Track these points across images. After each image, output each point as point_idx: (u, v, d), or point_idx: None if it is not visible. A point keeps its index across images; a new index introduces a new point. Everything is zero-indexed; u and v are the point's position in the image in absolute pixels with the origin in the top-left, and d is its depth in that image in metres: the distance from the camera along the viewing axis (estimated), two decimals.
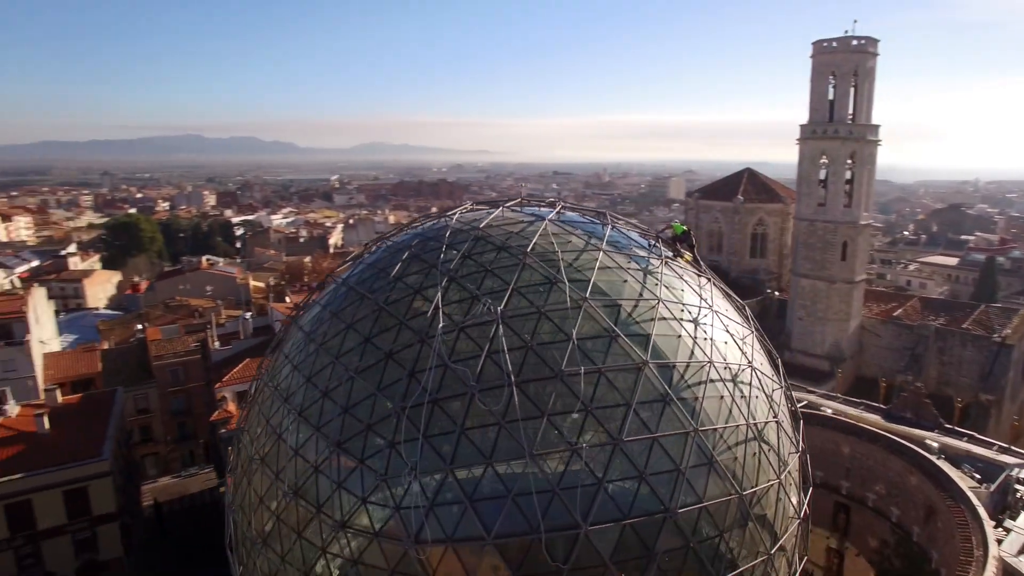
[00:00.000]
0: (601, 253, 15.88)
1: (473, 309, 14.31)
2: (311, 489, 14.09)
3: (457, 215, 18.21)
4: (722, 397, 14.95)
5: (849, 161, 65.93)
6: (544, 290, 14.57)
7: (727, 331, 16.41)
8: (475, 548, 12.70)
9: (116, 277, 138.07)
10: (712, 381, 15.03)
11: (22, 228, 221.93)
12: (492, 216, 17.30)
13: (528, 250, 15.17)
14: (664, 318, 15.22)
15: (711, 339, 15.78)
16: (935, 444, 33.53)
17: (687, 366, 14.96)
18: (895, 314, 70.28)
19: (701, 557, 13.16)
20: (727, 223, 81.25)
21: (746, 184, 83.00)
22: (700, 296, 16.69)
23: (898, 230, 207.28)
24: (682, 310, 15.83)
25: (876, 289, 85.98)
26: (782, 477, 15.14)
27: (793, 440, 16.58)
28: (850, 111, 65.83)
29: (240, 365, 58.98)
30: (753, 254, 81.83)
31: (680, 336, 15.32)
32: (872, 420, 38.09)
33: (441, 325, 14.06)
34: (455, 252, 15.95)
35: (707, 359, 15.18)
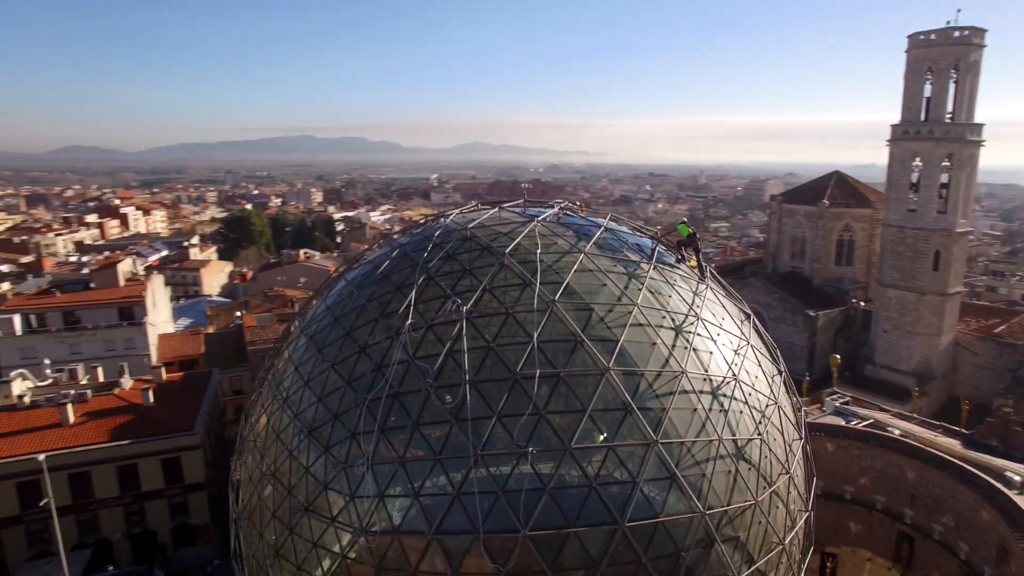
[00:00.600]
0: (583, 255, 15.17)
1: (443, 307, 14.10)
2: (285, 474, 14.33)
3: (453, 215, 18.02)
4: (695, 410, 13.95)
5: (946, 163, 60.97)
6: (517, 291, 14.14)
7: (714, 341, 15.32)
8: (419, 542, 12.51)
9: (228, 267, 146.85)
10: (685, 392, 14.05)
11: (158, 221, 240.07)
12: (485, 216, 17.05)
13: (507, 251, 14.78)
14: (640, 324, 14.35)
15: (692, 348, 14.74)
16: (1017, 478, 30.32)
17: (657, 375, 14.04)
18: (996, 331, 64.26)
19: (652, 573, 12.35)
20: (811, 228, 77.12)
21: (833, 188, 78.47)
22: (689, 303, 15.66)
23: (1020, 239, 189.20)
24: (663, 317, 14.91)
25: (977, 303, 79.12)
26: (761, 499, 13.93)
27: (785, 462, 15.20)
28: (949, 109, 60.85)
29: None
30: (838, 261, 77.28)
31: (655, 344, 14.41)
32: (947, 445, 35.14)
33: (409, 322, 13.97)
34: (440, 251, 15.80)
35: (680, 369, 14.17)
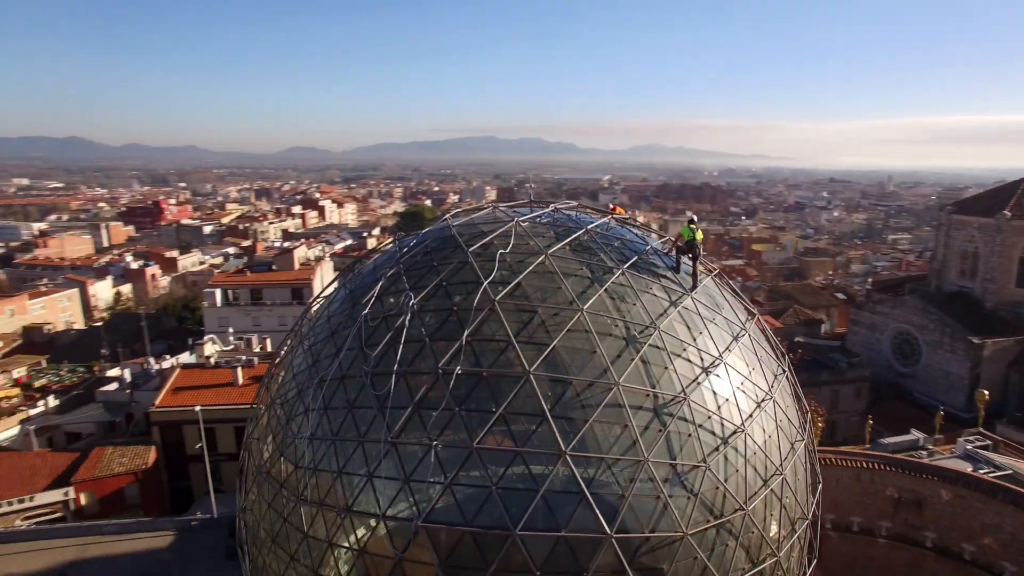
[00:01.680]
0: (545, 257, 14.47)
1: (399, 300, 14.20)
2: (277, 463, 15.13)
3: (450, 215, 18.02)
4: (626, 426, 12.74)
5: None
6: (470, 289, 13.84)
7: (676, 355, 13.88)
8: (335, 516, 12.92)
9: None
10: (618, 406, 12.84)
11: (349, 213, 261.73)
12: (477, 215, 16.92)
13: (471, 249, 14.52)
14: (584, 330, 13.36)
15: (643, 361, 13.48)
16: None
17: (589, 385, 13.04)
18: None
19: None
20: (986, 243, 67.24)
21: (1020, 197, 67.73)
22: (656, 313, 14.31)
23: None
24: (616, 325, 13.83)
25: None
26: (691, 534, 12.37)
27: (737, 500, 13.31)
28: None
29: None
30: (1020, 283, 66.72)
31: (595, 352, 13.28)
32: None
33: (366, 312, 14.30)
34: (420, 248, 15.95)
35: (615, 380, 12.94)
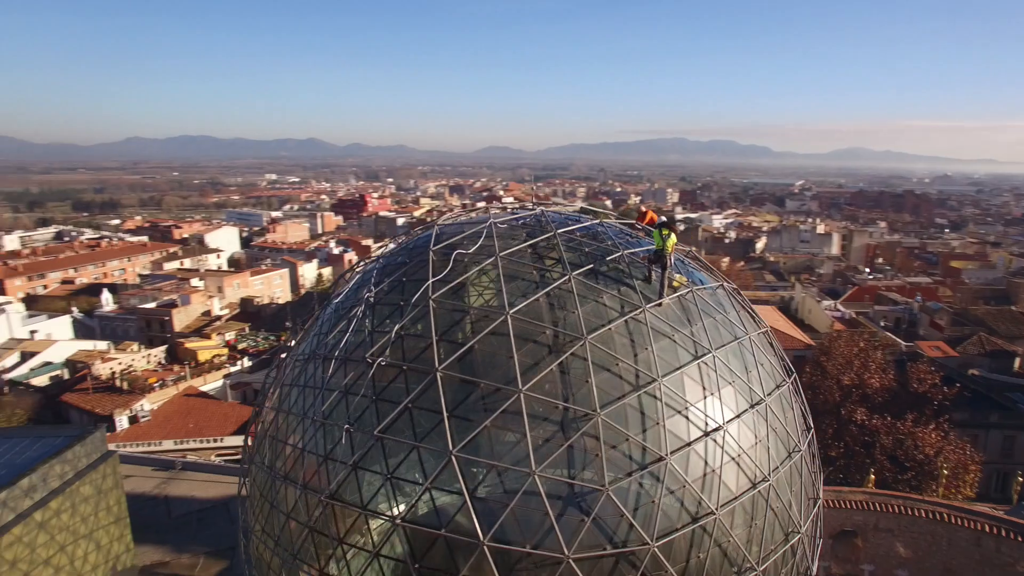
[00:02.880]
0: (501, 259, 14.12)
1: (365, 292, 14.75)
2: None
3: (450, 215, 18.17)
4: (524, 435, 11.93)
5: None
6: (418, 287, 14.00)
7: (598, 366, 12.88)
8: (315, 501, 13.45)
9: None
10: (517, 414, 12.20)
11: None
12: (475, 215, 17.05)
13: (434, 248, 14.70)
14: (505, 334, 12.82)
15: (562, 371, 12.80)
16: None
17: (496, 390, 12.66)
18: None
19: None
20: None
21: None
22: (589, 324, 13.30)
23: None
24: (544, 332, 13.19)
25: None
26: (571, 555, 11.33)
27: (644, 533, 12.10)
28: None
29: None
30: None
31: (511, 357, 12.58)
32: None
33: (337, 300, 15.21)
34: (407, 246, 16.41)
35: (519, 388, 12.34)
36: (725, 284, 17.85)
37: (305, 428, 13.75)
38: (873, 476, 36.08)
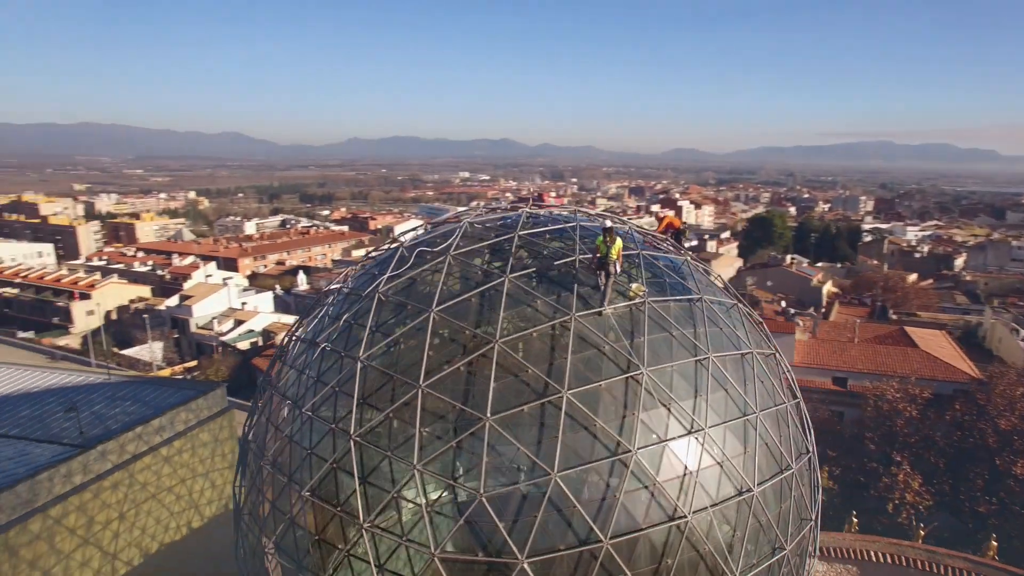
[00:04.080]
0: (453, 257, 14.40)
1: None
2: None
3: (453, 214, 18.47)
4: (422, 432, 12.29)
5: None
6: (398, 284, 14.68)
7: (505, 370, 12.58)
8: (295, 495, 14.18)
9: (737, 263, 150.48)
10: (423, 410, 12.41)
11: (705, 215, 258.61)
12: (470, 214, 17.33)
13: (407, 240, 15.33)
14: (423, 329, 12.95)
15: (469, 371, 12.75)
16: None
17: (403, 384, 12.91)
18: None
19: None
20: None
21: None
22: (511, 327, 13.09)
23: None
24: (463, 331, 13.22)
25: None
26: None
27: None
28: None
29: None
30: None
31: (424, 354, 12.77)
32: None
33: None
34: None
35: (419, 383, 12.43)
36: (741, 306, 17.26)
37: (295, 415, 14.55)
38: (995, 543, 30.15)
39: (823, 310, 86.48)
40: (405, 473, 12.12)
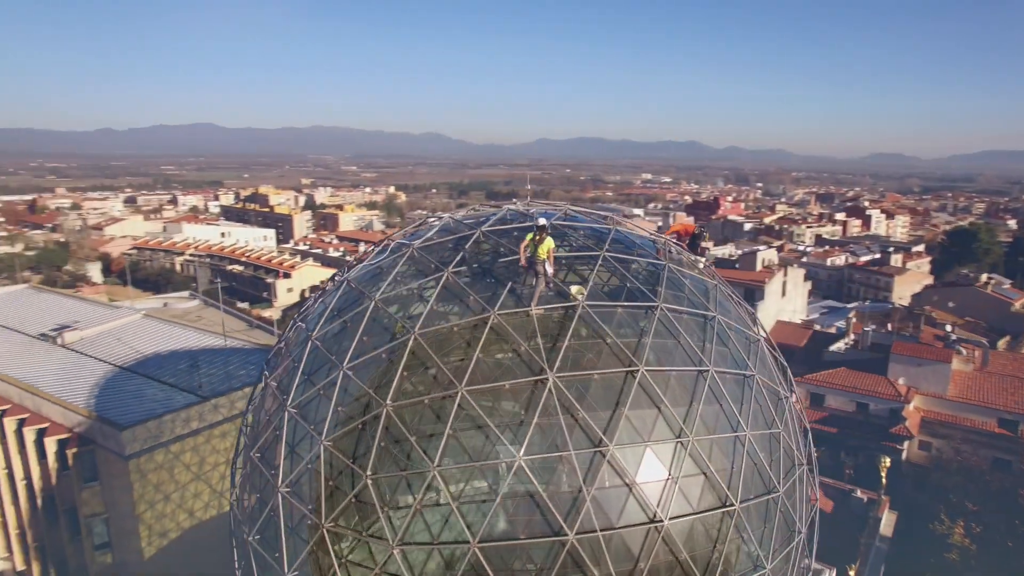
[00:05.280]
0: (416, 250, 15.09)
1: None
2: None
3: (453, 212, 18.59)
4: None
5: None
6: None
7: (407, 367, 12.71)
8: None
9: (927, 280, 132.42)
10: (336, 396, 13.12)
11: (899, 226, 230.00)
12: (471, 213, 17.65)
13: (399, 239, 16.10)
14: (362, 315, 13.72)
15: (391, 361, 12.99)
16: None
17: (327, 372, 13.64)
18: None
19: None
20: None
21: None
22: (427, 321, 13.34)
23: None
24: (390, 321, 13.54)
25: None
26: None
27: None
28: None
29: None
30: None
31: (356, 339, 13.54)
32: None
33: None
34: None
35: (340, 365, 12.99)
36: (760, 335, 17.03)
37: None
38: None
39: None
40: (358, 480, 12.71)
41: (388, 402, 12.60)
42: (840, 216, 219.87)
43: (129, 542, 30.21)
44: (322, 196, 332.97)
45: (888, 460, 40.54)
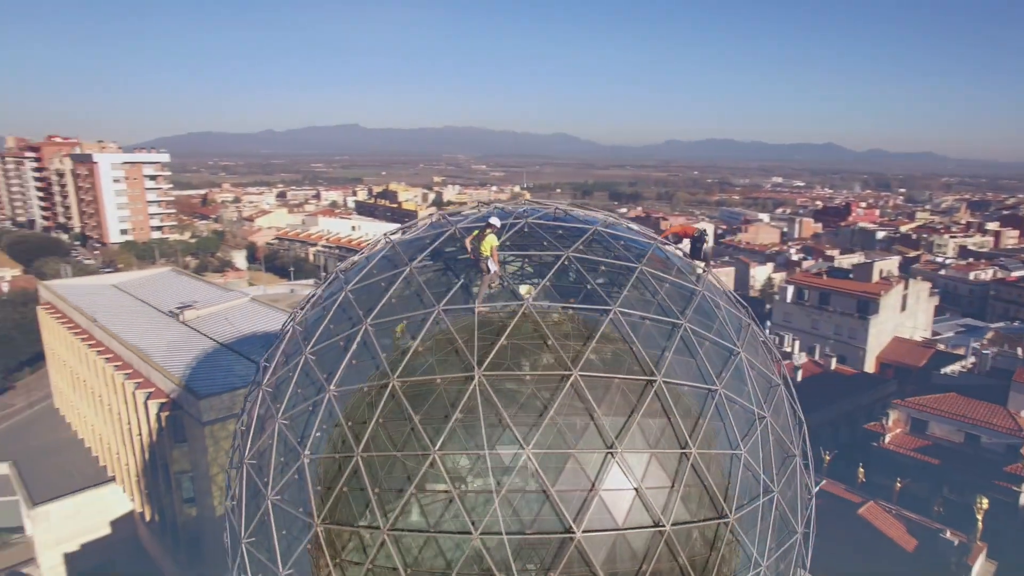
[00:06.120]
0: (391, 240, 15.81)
1: None
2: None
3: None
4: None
5: None
6: None
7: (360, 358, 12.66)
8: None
9: None
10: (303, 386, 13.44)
11: None
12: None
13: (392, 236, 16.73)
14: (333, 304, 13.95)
15: (348, 349, 13.21)
16: None
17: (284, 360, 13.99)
18: None
19: None
20: None
21: None
22: (381, 313, 13.23)
23: None
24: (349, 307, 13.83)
25: None
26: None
27: None
28: None
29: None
30: None
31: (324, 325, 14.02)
32: None
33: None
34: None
35: (305, 351, 13.26)
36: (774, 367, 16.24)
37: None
38: None
39: None
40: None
41: (332, 387, 13.06)
42: (993, 226, 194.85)
43: (206, 500, 33.37)
44: (450, 194, 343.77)
45: (986, 501, 35.61)
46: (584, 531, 11.62)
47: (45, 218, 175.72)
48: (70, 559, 43.16)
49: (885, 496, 40.38)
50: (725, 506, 12.86)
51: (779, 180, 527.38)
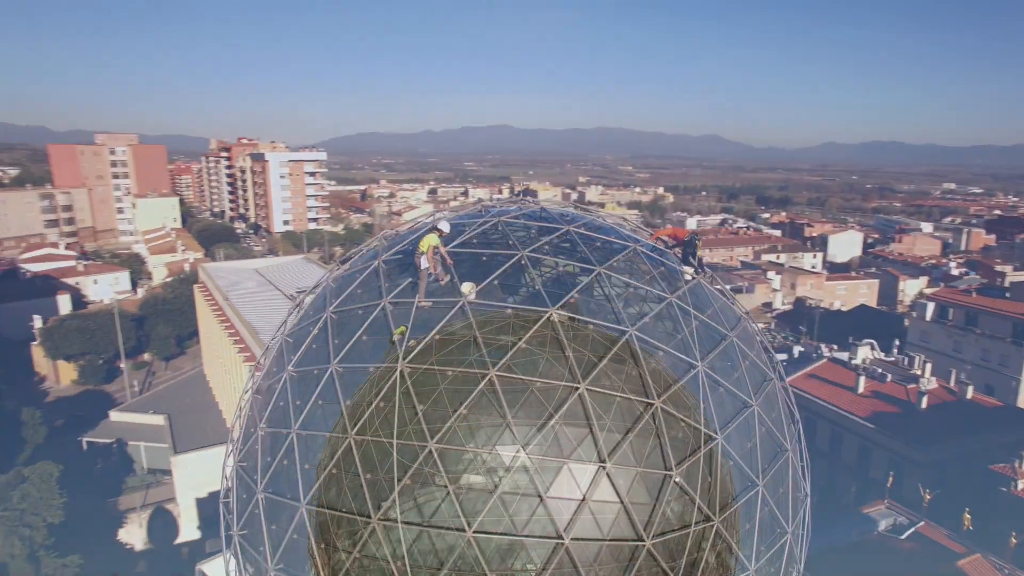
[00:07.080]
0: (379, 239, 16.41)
1: None
2: None
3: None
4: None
5: None
6: None
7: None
8: None
9: None
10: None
11: None
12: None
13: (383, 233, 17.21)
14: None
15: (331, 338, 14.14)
16: None
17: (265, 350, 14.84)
18: None
19: None
20: None
21: None
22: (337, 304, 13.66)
23: None
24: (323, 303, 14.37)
25: None
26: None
27: None
28: None
29: None
30: None
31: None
32: None
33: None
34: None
35: (279, 336, 14.04)
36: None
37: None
38: None
39: None
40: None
41: (288, 368, 14.14)
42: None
43: None
44: (592, 194, 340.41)
45: None
46: (572, 538, 11.48)
47: (232, 209, 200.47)
48: (201, 503, 49.41)
49: (998, 551, 34.64)
50: (709, 512, 12.40)
51: (951, 186, 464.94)
